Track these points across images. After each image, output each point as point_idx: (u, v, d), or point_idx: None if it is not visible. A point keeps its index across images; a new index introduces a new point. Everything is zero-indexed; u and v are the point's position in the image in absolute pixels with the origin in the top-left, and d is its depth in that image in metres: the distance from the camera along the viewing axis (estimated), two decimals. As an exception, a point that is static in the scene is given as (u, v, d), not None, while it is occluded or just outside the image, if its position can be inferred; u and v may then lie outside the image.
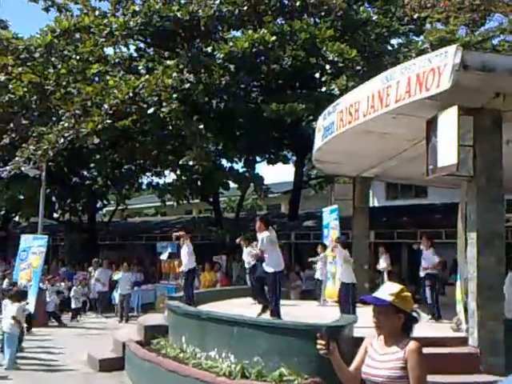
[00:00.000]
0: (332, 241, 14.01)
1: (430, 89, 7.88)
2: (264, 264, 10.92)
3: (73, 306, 20.10)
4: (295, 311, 12.41)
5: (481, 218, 8.32)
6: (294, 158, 25.29)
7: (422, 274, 12.25)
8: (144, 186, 27.51)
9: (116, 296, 20.58)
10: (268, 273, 10.72)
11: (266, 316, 10.66)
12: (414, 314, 3.71)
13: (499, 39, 20.95)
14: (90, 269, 22.86)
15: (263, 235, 10.75)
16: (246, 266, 15.35)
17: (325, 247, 15.12)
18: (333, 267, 14.24)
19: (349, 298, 11.16)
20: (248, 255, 14.98)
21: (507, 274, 10.89)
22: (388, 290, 3.71)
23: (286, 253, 19.39)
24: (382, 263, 16.28)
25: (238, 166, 23.44)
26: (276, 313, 10.54)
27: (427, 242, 12.44)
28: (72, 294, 20.29)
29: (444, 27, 19.16)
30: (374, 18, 21.14)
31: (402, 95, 8.42)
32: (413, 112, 8.73)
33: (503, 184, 8.46)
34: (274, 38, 18.65)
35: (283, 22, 20.37)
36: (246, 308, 12.59)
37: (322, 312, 12.87)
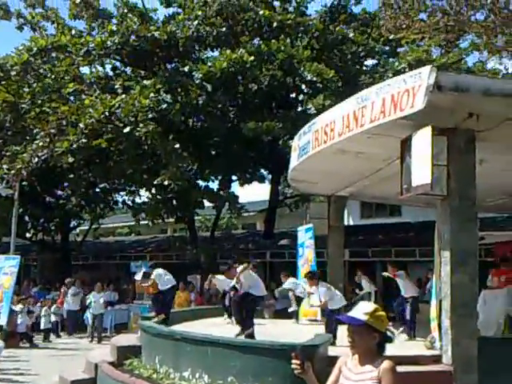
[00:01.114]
0: (307, 262, 14.04)
1: (404, 109, 7.96)
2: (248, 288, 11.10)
3: (42, 326, 19.81)
4: (270, 330, 12.35)
5: (454, 237, 8.38)
6: (270, 176, 25.37)
7: (403, 292, 12.44)
8: (119, 205, 27.35)
9: (89, 316, 20.32)
10: (251, 295, 10.94)
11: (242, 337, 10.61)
12: (389, 334, 3.71)
13: (474, 61, 21.35)
14: (63, 289, 22.55)
15: (241, 276, 11.12)
16: (226, 287, 15.25)
17: (288, 275, 15.44)
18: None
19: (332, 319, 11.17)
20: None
21: (480, 292, 10.99)
22: (363, 310, 3.71)
23: (261, 271, 19.31)
24: (367, 287, 16.36)
25: (214, 185, 23.47)
26: (251, 335, 10.56)
27: (393, 269, 12.61)
28: (42, 313, 20.01)
29: (419, 48, 19.46)
30: (350, 36, 21.39)
31: (377, 115, 8.49)
32: (387, 132, 8.79)
33: (476, 203, 8.55)
34: (251, 57, 18.76)
35: (260, 42, 20.53)
36: (221, 327, 12.49)
37: (298, 331, 12.83)
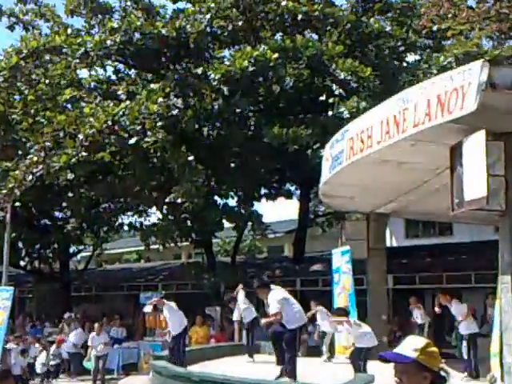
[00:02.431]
0: (344, 290, 14.03)
1: (452, 111, 7.95)
2: (284, 322, 10.95)
3: (38, 370, 19.98)
4: (302, 370, 12.32)
5: (516, 259, 8.32)
6: (298, 192, 25.38)
7: (460, 328, 12.42)
8: (125, 228, 27.53)
9: (92, 357, 20.43)
10: (288, 329, 10.80)
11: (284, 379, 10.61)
12: (443, 373, 3.69)
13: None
14: (61, 325, 22.71)
15: (270, 298, 10.87)
16: (244, 321, 15.34)
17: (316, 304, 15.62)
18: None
19: (359, 357, 11.23)
20: (243, 309, 15.05)
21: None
22: (411, 345, 3.68)
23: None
24: (420, 318, 16.30)
25: (234, 203, 23.55)
26: (293, 374, 10.53)
27: (445, 298, 12.62)
28: (39, 358, 20.18)
29: (467, 40, 19.35)
30: (387, 29, 21.34)
31: (421, 119, 8.49)
32: (434, 138, 8.79)
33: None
34: (275, 55, 18.75)
35: (283, 37, 20.59)
36: (245, 367, 12.49)
37: (332, 371, 12.79)
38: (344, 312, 11.81)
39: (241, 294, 15.69)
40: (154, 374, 11.53)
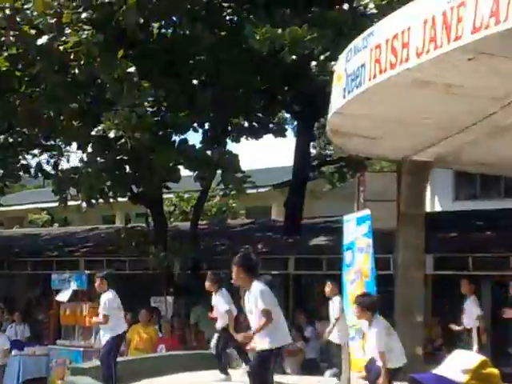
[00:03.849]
0: (360, 276, 14.08)
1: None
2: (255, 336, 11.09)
3: None
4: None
5: None
6: (295, 125, 25.35)
7: None
8: (30, 173, 27.39)
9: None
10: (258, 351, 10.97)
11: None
12: None
13: None
14: None
15: (252, 292, 11.00)
16: (217, 325, 15.46)
17: (338, 287, 15.39)
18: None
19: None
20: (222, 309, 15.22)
21: None
22: (459, 364, 3.69)
23: (279, 294, 19.44)
24: (470, 315, 16.36)
25: (197, 139, 23.53)
26: None
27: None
28: None
29: None
30: None
31: (485, 21, 8.45)
32: (503, 49, 8.77)
33: None
34: None
35: None
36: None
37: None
38: (371, 303, 11.89)
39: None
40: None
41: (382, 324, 11.69)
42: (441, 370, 3.67)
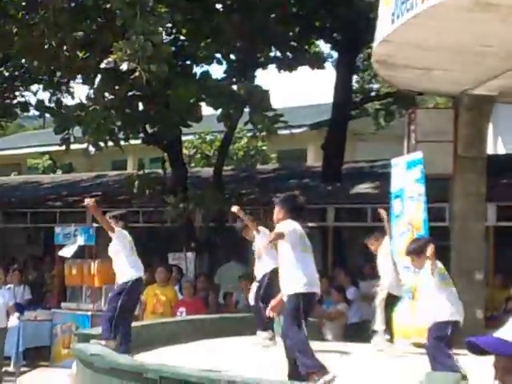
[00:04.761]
0: (411, 228, 14.06)
1: None
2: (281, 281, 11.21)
3: None
4: (340, 364, 12.52)
5: None
6: (335, 56, 25.26)
7: None
8: (29, 111, 27.46)
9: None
10: (287, 296, 11.00)
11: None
12: None
13: None
14: None
15: (279, 228, 11.20)
16: (257, 278, 15.51)
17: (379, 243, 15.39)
18: (412, 277, 14.30)
19: (442, 343, 11.29)
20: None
21: None
22: None
23: (317, 249, 19.48)
24: None
25: (220, 72, 23.48)
26: (306, 367, 10.69)
27: None
28: None
29: None
30: None
31: None
32: None
33: None
34: None
35: None
36: (245, 357, 12.72)
37: (390, 368, 12.96)
38: (424, 246, 11.83)
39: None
40: (80, 365, 11.68)
41: (437, 271, 11.57)
42: (503, 332, 3.63)
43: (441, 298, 11.47)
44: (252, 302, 15.23)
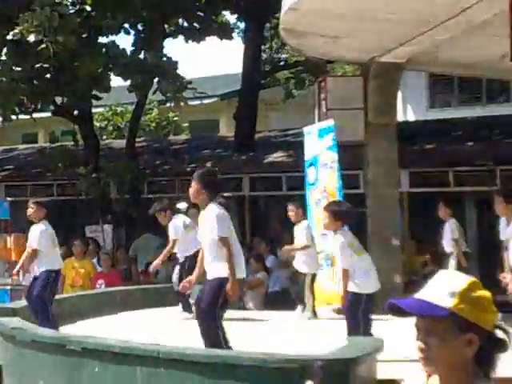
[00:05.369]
0: (326, 195, 14.18)
1: None
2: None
3: None
4: (261, 331, 12.66)
5: None
6: (243, 25, 25.23)
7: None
8: None
9: None
10: (211, 280, 11.06)
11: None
12: (499, 334, 3.68)
13: None
14: None
15: (207, 216, 11.18)
16: (179, 254, 15.54)
17: (303, 209, 15.51)
18: (329, 244, 14.42)
19: (358, 308, 11.48)
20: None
21: None
22: (445, 287, 3.64)
23: (234, 219, 19.56)
24: (448, 240, 16.52)
25: (129, 43, 23.34)
26: (218, 343, 10.82)
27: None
28: None
29: None
30: None
31: None
32: None
33: None
34: None
35: None
36: (160, 329, 12.80)
37: (313, 332, 13.14)
38: (342, 211, 11.90)
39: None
40: (2, 340, 11.67)
41: (349, 236, 11.64)
42: (424, 293, 3.65)
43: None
44: (176, 286, 15.21)
